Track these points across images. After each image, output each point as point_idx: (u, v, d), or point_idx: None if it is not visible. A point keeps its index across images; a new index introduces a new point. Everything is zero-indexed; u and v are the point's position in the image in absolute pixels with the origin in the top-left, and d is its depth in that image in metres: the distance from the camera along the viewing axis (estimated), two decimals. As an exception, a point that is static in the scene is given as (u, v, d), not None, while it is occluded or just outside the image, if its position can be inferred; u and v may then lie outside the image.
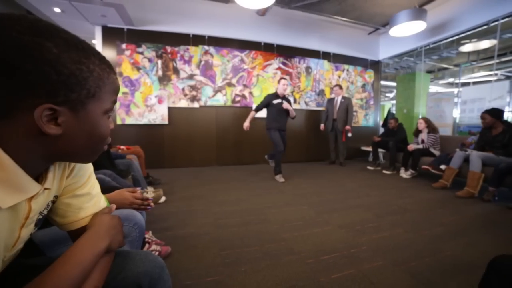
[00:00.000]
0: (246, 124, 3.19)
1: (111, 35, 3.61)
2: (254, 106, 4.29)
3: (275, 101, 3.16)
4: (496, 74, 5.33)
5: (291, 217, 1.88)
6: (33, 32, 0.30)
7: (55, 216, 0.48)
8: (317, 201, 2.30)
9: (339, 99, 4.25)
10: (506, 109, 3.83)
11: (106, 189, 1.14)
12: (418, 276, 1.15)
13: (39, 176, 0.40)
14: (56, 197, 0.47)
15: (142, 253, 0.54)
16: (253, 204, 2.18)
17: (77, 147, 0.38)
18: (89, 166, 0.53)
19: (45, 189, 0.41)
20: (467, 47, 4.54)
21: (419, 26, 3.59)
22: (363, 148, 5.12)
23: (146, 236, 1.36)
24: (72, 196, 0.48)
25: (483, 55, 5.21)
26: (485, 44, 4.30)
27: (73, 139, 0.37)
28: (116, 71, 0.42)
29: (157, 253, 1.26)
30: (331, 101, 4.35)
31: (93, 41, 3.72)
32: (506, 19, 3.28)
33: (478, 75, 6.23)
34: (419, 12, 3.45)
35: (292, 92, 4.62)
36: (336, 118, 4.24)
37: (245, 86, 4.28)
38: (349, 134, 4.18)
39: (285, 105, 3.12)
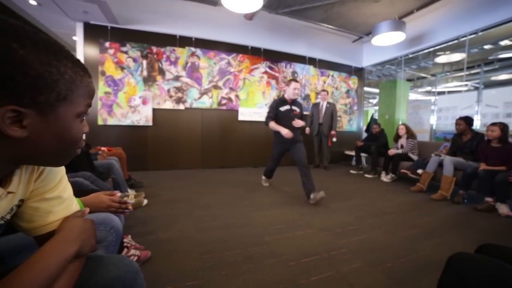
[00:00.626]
0: (286, 131, 2.50)
1: (93, 32, 3.49)
2: (239, 110, 4.32)
3: (283, 108, 2.65)
4: (466, 85, 5.72)
5: (274, 220, 1.90)
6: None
7: (20, 221, 0.46)
8: (300, 204, 2.34)
9: (324, 104, 4.37)
10: (475, 117, 4.13)
11: (83, 192, 1.10)
12: (393, 276, 1.20)
13: (2, 179, 0.39)
14: (22, 201, 0.44)
15: (116, 257, 0.53)
16: (236, 207, 2.18)
17: (45, 150, 0.37)
18: (61, 169, 0.51)
19: (9, 192, 0.39)
20: (442, 59, 4.85)
21: (399, 36, 3.79)
22: (347, 152, 5.28)
23: (125, 240, 1.32)
24: (40, 199, 0.46)
25: (456, 67, 5.58)
26: (456, 56, 4.62)
27: (42, 142, 0.36)
28: (91, 74, 0.41)
29: (135, 258, 1.22)
30: (316, 105, 4.46)
31: (74, 38, 3.58)
32: (473, 35, 3.59)
33: (452, 85, 6.65)
34: (398, 24, 3.65)
35: (278, 96, 4.68)
36: (322, 123, 4.34)
37: (231, 89, 4.29)
38: (334, 139, 4.31)
39: (297, 122, 2.56)
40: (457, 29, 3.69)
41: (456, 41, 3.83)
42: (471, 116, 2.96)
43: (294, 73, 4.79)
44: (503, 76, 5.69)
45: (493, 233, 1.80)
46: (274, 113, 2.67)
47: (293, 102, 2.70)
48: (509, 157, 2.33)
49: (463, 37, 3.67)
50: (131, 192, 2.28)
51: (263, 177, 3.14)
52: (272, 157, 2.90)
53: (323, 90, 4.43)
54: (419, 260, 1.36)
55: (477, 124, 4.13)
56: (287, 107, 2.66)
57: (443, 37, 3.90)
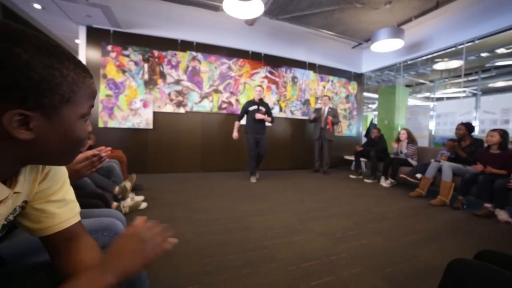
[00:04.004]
0: (235, 134, 3.51)
1: (96, 36, 3.52)
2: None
3: (251, 108, 3.47)
4: (464, 91, 5.78)
5: (274, 224, 1.90)
6: (1, 38, 0.30)
7: (27, 222, 0.47)
8: (300, 208, 2.33)
9: (326, 109, 4.38)
10: (473, 123, 4.16)
11: (87, 195, 1.10)
12: (393, 282, 1.20)
13: (7, 180, 0.39)
14: (25, 202, 0.45)
15: None
16: (236, 212, 2.17)
17: (52, 151, 0.38)
18: (64, 172, 0.52)
19: (15, 193, 0.40)
20: (440, 65, 4.91)
21: (398, 43, 3.84)
22: (346, 157, 5.29)
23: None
24: (46, 201, 0.47)
25: (454, 73, 5.65)
26: (454, 63, 4.69)
27: (48, 143, 0.36)
28: (92, 75, 0.42)
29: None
30: (318, 110, 4.47)
31: (77, 41, 3.62)
32: (470, 43, 3.66)
33: (450, 91, 6.71)
34: (397, 31, 3.70)
35: (278, 101, 4.71)
36: (323, 127, 4.34)
37: (232, 93, 4.32)
38: (333, 127, 4.32)
39: (258, 115, 3.38)
40: (455, 37, 3.76)
41: (453, 49, 3.89)
42: (470, 121, 2.99)
43: (294, 78, 4.84)
44: (500, 83, 5.76)
45: (492, 239, 1.80)
46: (243, 114, 3.52)
47: (261, 102, 3.49)
48: (508, 163, 2.35)
49: (460, 44, 3.73)
50: (131, 196, 2.27)
51: (251, 177, 3.59)
52: (248, 147, 3.55)
53: (324, 95, 4.45)
54: (418, 265, 1.36)
55: (475, 130, 4.17)
56: (254, 107, 3.45)
57: (441, 45, 3.97)
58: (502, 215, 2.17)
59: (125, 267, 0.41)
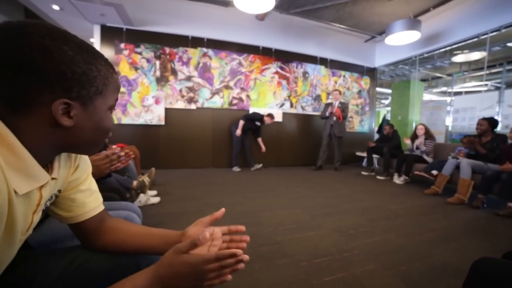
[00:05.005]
0: (238, 132, 3.85)
1: (109, 34, 3.61)
2: (250, 110, 4.34)
3: (257, 123, 4.04)
4: (486, 85, 5.49)
5: (285, 220, 1.90)
6: (52, 37, 0.35)
7: (58, 210, 0.51)
8: (312, 205, 2.32)
9: (336, 104, 4.24)
10: (496, 118, 3.95)
11: (104, 188, 1.14)
12: (408, 280, 1.17)
13: (45, 166, 0.43)
14: (59, 191, 0.49)
15: None
16: (247, 207, 2.19)
17: (84, 138, 0.42)
18: (89, 165, 0.56)
19: (53, 178, 0.43)
20: (459, 58, 4.68)
21: (414, 35, 3.69)
22: (358, 153, 5.19)
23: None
24: (76, 191, 0.52)
25: (474, 66, 5.37)
26: (475, 55, 4.44)
27: (82, 131, 0.40)
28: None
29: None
30: (328, 105, 4.33)
31: (91, 40, 3.72)
32: (495, 33, 3.42)
33: (470, 85, 6.40)
34: (414, 23, 3.55)
35: (289, 96, 4.67)
36: (333, 124, 4.23)
37: (242, 89, 4.31)
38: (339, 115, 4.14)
39: (240, 133, 3.93)
40: (477, 27, 3.54)
41: (475, 39, 3.67)
42: (492, 116, 2.84)
43: (305, 73, 4.77)
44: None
45: (515, 239, 1.72)
46: (250, 119, 3.99)
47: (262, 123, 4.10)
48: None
49: (483, 34, 3.51)
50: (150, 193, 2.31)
51: (234, 167, 3.99)
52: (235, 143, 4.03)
53: (335, 90, 4.33)
54: (435, 264, 1.32)
55: (498, 126, 3.95)
56: (259, 123, 4.05)
57: (462, 35, 3.76)
58: (526, 214, 2.07)
59: None
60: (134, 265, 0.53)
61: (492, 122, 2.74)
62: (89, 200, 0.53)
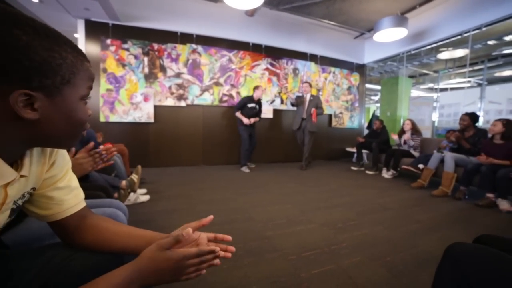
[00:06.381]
0: (246, 120, 3.68)
1: (95, 29, 3.49)
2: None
3: (250, 105, 3.71)
4: (469, 82, 5.68)
5: (275, 215, 1.91)
6: (0, 20, 0.31)
7: (35, 208, 0.49)
8: (302, 200, 2.35)
9: (308, 97, 3.94)
10: (478, 113, 4.10)
11: (92, 186, 1.12)
12: (393, 270, 1.21)
13: (13, 163, 0.40)
14: (33, 189, 0.47)
15: None
16: (239, 203, 2.19)
17: (55, 131, 0.39)
18: (68, 161, 0.54)
19: (22, 176, 0.41)
20: (444, 55, 4.80)
21: (401, 32, 3.76)
22: (348, 149, 5.27)
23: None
24: (53, 188, 0.49)
25: (459, 63, 5.53)
26: (459, 53, 4.58)
27: (52, 123, 0.38)
28: (89, 60, 0.43)
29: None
30: (299, 98, 4.00)
31: (75, 35, 3.59)
32: (477, 31, 3.54)
33: (455, 82, 6.60)
34: (401, 20, 3.62)
35: (279, 93, 4.68)
36: (305, 117, 3.93)
37: (232, 86, 4.29)
38: (315, 118, 3.87)
39: (251, 120, 3.72)
40: (460, 25, 3.65)
41: (459, 37, 3.78)
42: (474, 112, 2.95)
43: (295, 69, 4.78)
44: (507, 72, 5.64)
45: (493, 228, 1.81)
46: (241, 106, 3.72)
47: (258, 101, 3.79)
48: (511, 153, 2.32)
49: (466, 32, 3.62)
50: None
51: (243, 167, 3.77)
52: (243, 142, 3.76)
53: (305, 82, 3.99)
54: (419, 254, 1.37)
55: (480, 121, 4.11)
56: (252, 104, 3.72)
57: (446, 33, 3.86)
58: (504, 204, 2.17)
59: (151, 283, 0.44)
60: (117, 263, 0.52)
61: (473, 117, 2.85)
62: (68, 198, 0.51)
